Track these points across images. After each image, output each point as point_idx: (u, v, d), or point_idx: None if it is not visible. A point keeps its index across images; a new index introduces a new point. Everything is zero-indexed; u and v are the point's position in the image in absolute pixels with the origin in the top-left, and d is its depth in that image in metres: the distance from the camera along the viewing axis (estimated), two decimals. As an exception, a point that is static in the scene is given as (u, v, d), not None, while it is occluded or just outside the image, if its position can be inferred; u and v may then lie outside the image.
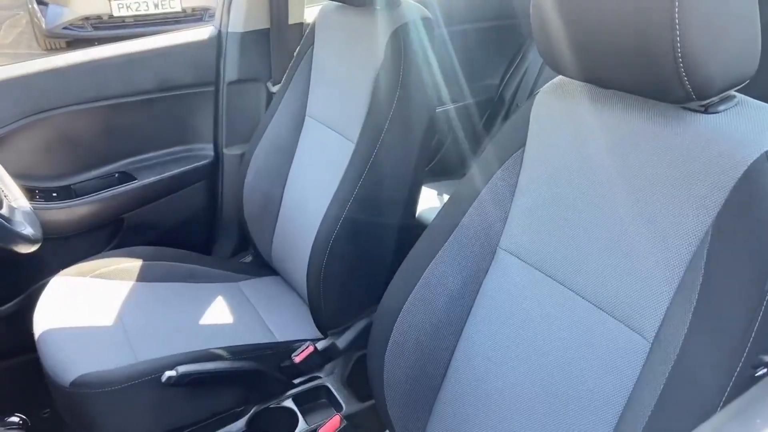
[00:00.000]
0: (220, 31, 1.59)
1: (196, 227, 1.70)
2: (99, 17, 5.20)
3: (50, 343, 1.18)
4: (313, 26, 1.43)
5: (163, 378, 1.08)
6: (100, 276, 1.38)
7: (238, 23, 1.56)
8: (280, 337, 1.33)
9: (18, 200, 1.19)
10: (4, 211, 1.09)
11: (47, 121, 1.45)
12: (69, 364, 1.12)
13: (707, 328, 0.63)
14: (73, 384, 1.09)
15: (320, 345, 1.30)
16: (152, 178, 1.58)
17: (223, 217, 1.71)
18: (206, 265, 1.51)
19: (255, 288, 1.52)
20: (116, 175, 1.57)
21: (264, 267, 1.58)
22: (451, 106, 1.92)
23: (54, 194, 1.49)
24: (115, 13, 5.18)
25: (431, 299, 0.94)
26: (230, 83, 1.60)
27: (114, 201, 1.54)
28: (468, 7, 1.99)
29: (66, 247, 1.51)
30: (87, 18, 5.20)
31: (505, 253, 0.91)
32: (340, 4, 1.33)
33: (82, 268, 1.38)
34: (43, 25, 5.22)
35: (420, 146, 1.24)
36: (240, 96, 1.63)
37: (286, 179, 1.48)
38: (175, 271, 1.46)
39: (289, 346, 1.29)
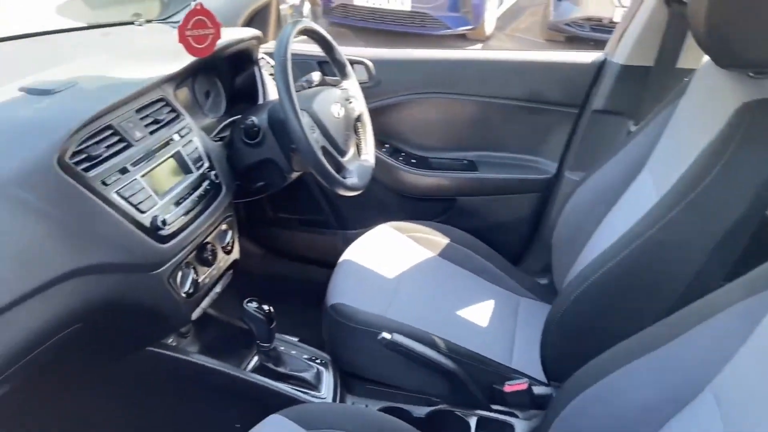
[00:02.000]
0: (605, 59, 1.57)
1: (514, 234, 1.77)
2: (599, 20, 5.42)
3: (342, 270, 1.46)
4: (691, 76, 1.29)
5: (378, 337, 1.24)
6: (413, 238, 1.60)
7: (622, 54, 1.51)
8: (512, 362, 1.34)
9: (366, 155, 1.49)
10: (346, 158, 1.39)
11: (434, 101, 1.72)
12: (339, 291, 1.38)
13: None
14: (331, 307, 1.35)
15: (536, 389, 1.25)
16: (493, 175, 1.72)
17: (542, 233, 1.74)
18: (503, 270, 1.58)
19: (531, 309, 1.52)
20: (465, 161, 1.76)
21: (554, 295, 1.56)
22: None
23: (413, 161, 1.77)
24: (615, 19, 5.31)
25: (615, 399, 0.85)
26: (595, 111, 1.58)
27: (455, 182, 1.74)
28: None
29: (406, 204, 1.79)
30: (590, 19, 5.48)
31: (711, 397, 0.75)
32: None
33: (404, 225, 1.62)
34: (550, 18, 5.75)
35: (726, 233, 1.03)
36: (599, 126, 1.59)
37: (601, 220, 1.41)
38: (473, 262, 1.58)
39: (510, 374, 1.29)
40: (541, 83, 1.63)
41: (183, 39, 1.11)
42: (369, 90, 1.69)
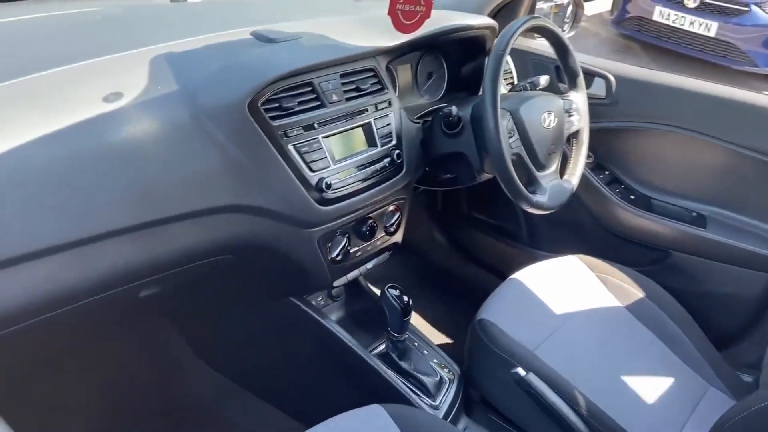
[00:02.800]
0: None
1: (729, 313, 1.46)
2: None
3: (507, 287, 1.35)
4: None
5: (513, 369, 1.13)
6: (602, 279, 1.40)
7: None
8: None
9: (570, 176, 1.34)
10: (543, 174, 1.27)
11: (676, 137, 1.49)
12: (494, 308, 1.29)
13: None
14: (479, 321, 1.26)
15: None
16: (724, 239, 1.43)
17: (764, 323, 1.41)
18: (699, 348, 1.32)
19: (718, 405, 1.23)
20: (694, 214, 1.50)
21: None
22: None
23: (632, 197, 1.56)
24: None
25: None
26: None
27: (674, 234, 1.49)
28: None
29: (609, 241, 1.60)
30: None
31: None
32: None
33: (597, 263, 1.43)
34: None
35: None
36: None
37: None
38: (665, 328, 1.33)
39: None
40: None
41: (392, 12, 1.10)
42: (603, 108, 1.52)
